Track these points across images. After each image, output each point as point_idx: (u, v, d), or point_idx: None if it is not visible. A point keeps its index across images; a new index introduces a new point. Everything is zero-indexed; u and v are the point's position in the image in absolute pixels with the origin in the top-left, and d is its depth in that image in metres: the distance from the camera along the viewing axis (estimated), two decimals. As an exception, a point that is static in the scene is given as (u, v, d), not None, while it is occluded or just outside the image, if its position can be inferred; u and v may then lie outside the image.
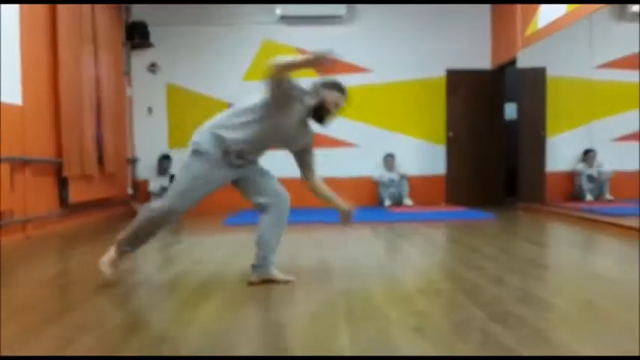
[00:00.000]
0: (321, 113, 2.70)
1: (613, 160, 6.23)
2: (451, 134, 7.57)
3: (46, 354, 1.71)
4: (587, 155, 6.50)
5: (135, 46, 7.60)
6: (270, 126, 2.67)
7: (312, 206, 7.38)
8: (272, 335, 1.89)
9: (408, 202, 7.31)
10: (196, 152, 2.67)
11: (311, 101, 2.71)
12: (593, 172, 6.47)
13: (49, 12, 5.26)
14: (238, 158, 2.70)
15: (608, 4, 5.29)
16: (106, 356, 1.65)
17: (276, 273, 2.70)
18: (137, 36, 7.48)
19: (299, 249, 3.85)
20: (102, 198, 6.42)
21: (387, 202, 7.33)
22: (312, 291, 2.54)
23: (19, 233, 4.61)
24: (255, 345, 1.78)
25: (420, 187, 7.62)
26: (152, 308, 2.33)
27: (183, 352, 1.70)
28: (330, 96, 2.71)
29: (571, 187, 6.69)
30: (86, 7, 5.96)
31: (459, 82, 7.60)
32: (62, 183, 5.44)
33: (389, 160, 7.56)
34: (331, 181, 7.69)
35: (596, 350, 1.65)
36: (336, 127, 7.85)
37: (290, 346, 1.76)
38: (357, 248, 3.86)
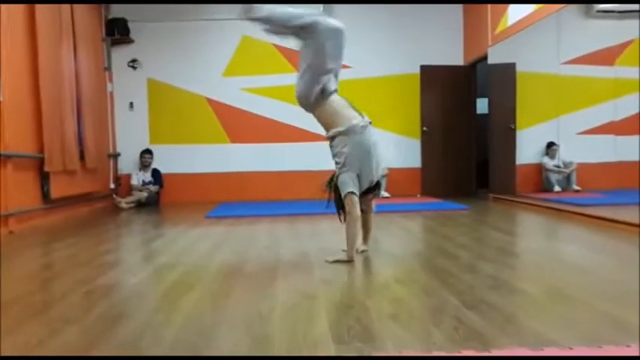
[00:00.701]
0: None
1: (579, 152, 6.46)
2: (426, 128, 7.76)
3: (29, 345, 1.76)
4: (550, 148, 6.75)
5: (115, 42, 7.64)
6: None
7: (293, 199, 7.56)
8: (253, 324, 1.95)
9: (384, 194, 7.49)
10: None
11: None
12: (557, 164, 6.72)
13: (28, 8, 5.29)
14: None
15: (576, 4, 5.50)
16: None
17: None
18: (117, 32, 7.52)
19: (279, 240, 3.97)
20: (84, 193, 6.48)
21: (365, 195, 7.51)
22: (292, 281, 2.63)
23: (1, 228, 4.67)
24: (237, 334, 1.85)
25: (397, 179, 7.80)
26: (135, 300, 2.40)
27: (166, 342, 1.77)
28: None
29: (540, 179, 6.93)
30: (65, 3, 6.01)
31: (432, 77, 7.79)
32: (44, 178, 5.50)
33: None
34: (311, 174, 7.92)
35: (563, 335, 1.75)
36: (317, 122, 8.01)
37: (270, 334, 1.83)
38: (336, 239, 3.98)
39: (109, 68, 7.61)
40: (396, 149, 7.89)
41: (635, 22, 5.49)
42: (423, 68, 7.78)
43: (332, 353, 1.63)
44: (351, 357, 1.61)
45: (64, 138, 5.80)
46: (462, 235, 3.97)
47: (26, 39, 5.28)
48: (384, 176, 7.65)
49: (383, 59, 7.98)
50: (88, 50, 6.74)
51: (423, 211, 5.68)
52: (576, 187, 6.65)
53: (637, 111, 5.77)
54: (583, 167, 6.52)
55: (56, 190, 5.64)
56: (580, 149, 6.45)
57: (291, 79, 7.83)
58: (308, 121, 8.52)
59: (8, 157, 4.79)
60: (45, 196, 5.52)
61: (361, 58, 7.95)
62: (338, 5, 7.87)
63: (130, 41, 7.68)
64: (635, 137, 5.72)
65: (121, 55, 7.74)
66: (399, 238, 3.96)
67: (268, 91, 7.87)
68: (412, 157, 7.91)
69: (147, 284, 2.71)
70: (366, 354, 1.62)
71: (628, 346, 1.62)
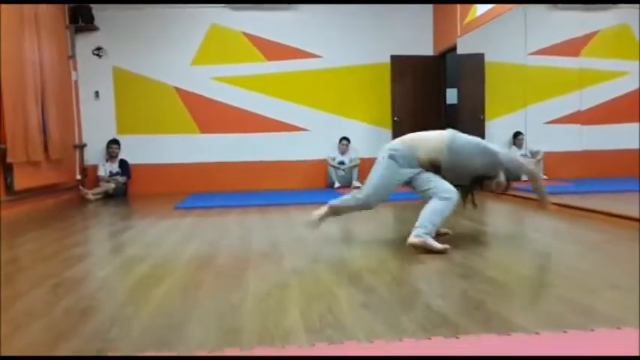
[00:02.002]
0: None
1: (546, 141, 6.58)
2: (397, 118, 7.80)
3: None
4: (517, 138, 6.86)
5: (79, 30, 7.44)
6: None
7: (263, 190, 7.53)
8: (223, 315, 1.94)
9: (356, 184, 7.53)
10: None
11: None
12: (525, 153, 6.84)
13: (-11, -6, 5.13)
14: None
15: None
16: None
17: (431, 242, 2.96)
18: (81, 19, 7.33)
19: (252, 231, 3.95)
20: (49, 184, 6.33)
21: (337, 184, 7.54)
22: (263, 271, 2.63)
23: (-37, 221, 4.54)
24: (207, 325, 1.84)
25: (368, 169, 7.82)
26: (103, 292, 2.37)
27: (134, 334, 1.76)
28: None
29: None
30: (27, -10, 5.83)
31: (403, 67, 7.82)
32: (7, 169, 5.36)
33: (343, 144, 7.76)
34: (283, 164, 7.86)
35: (531, 320, 1.79)
36: (288, 111, 8.03)
37: (241, 325, 1.82)
38: (308, 229, 3.98)
39: (73, 56, 7.42)
40: (366, 139, 7.93)
41: (599, 14, 5.60)
42: (394, 58, 7.80)
43: (303, 342, 1.63)
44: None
45: (28, 128, 5.65)
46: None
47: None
48: (355, 166, 7.74)
49: (353, 48, 7.98)
50: (51, 38, 6.55)
51: (394, 201, 5.72)
52: (543, 176, 6.78)
53: (602, 101, 5.90)
54: (550, 156, 6.64)
55: (20, 182, 5.50)
56: (547, 138, 6.57)
57: (261, 68, 7.85)
58: (278, 111, 8.51)
59: (-32, 147, 4.65)
60: (8, 187, 5.39)
61: (331, 47, 7.95)
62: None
63: (95, 29, 7.49)
64: (601, 126, 5.85)
65: (85, 43, 7.56)
66: (370, 227, 3.98)
67: (238, 80, 7.80)
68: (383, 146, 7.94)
69: (115, 277, 2.67)
70: (336, 342, 1.62)
71: (592, 330, 1.67)
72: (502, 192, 3.57)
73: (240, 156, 7.84)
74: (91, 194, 6.85)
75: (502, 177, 3.40)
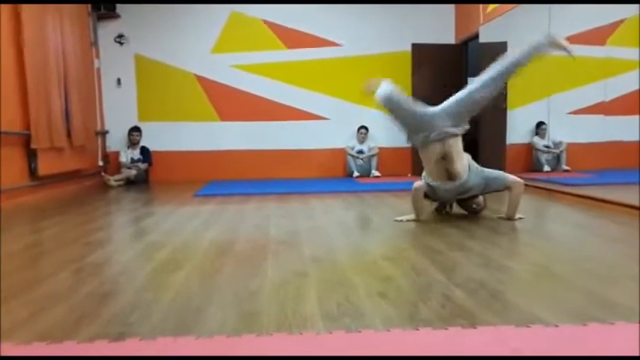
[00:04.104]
0: None
1: (569, 132, 6.49)
2: (417, 107, 7.73)
3: (17, 322, 1.76)
4: (540, 128, 6.76)
5: (101, 17, 7.51)
6: None
7: (283, 178, 7.55)
8: (242, 301, 1.96)
9: (375, 173, 7.52)
10: None
11: None
12: (547, 144, 6.75)
13: (13, -18, 5.19)
14: None
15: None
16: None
17: None
18: (103, 6, 7.39)
19: (270, 219, 3.97)
20: (72, 170, 6.43)
21: (356, 174, 7.52)
22: (281, 259, 2.64)
23: (-11, 205, 4.64)
24: (225, 310, 1.85)
25: (388, 159, 7.82)
26: (124, 277, 2.39)
27: (155, 318, 1.78)
28: None
29: (530, 159, 6.96)
30: (51, -23, 5.88)
31: (424, 56, 7.75)
32: (31, 155, 5.45)
33: (362, 133, 7.73)
34: (302, 153, 7.86)
35: (549, 311, 1.77)
36: (307, 100, 8.01)
37: (259, 310, 1.84)
38: (327, 218, 3.99)
39: (95, 44, 7.49)
40: (385, 128, 7.88)
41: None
42: (415, 46, 7.73)
43: (320, 330, 1.64)
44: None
45: (51, 114, 5.74)
46: (451, 215, 3.99)
47: (10, 14, 5.18)
48: (374, 155, 7.71)
49: (374, 37, 7.92)
50: (74, 25, 6.62)
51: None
52: (565, 167, 6.69)
53: (627, 91, 5.79)
54: (573, 147, 6.55)
55: (44, 167, 5.59)
56: (570, 129, 6.47)
57: (281, 56, 7.84)
58: (298, 100, 8.50)
59: (-6, 133, 4.73)
60: (32, 173, 5.48)
61: (352, 35, 7.90)
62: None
63: (117, 16, 7.55)
64: (626, 118, 5.75)
65: (107, 31, 7.62)
66: (389, 217, 3.97)
67: (258, 68, 7.80)
68: (402, 136, 7.88)
69: (135, 262, 2.70)
70: (354, 330, 1.63)
71: (612, 323, 1.65)
72: (479, 211, 3.86)
73: (259, 144, 7.87)
74: (112, 180, 6.94)
75: (481, 198, 3.79)
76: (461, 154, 3.60)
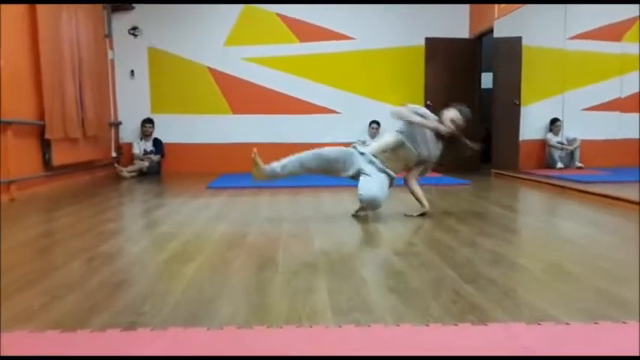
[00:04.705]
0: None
1: (583, 129, 6.43)
2: (429, 103, 7.69)
3: (31, 310, 1.78)
4: (554, 124, 6.70)
5: (115, 9, 7.54)
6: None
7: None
8: (252, 292, 1.97)
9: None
10: None
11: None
12: (561, 140, 6.69)
13: (29, -27, 5.22)
14: None
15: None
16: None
17: None
18: (118, -1, 7.43)
19: (282, 211, 3.98)
20: (85, 161, 6.48)
21: (367, 168, 7.51)
22: (292, 251, 2.65)
23: (2, 194, 4.69)
24: (236, 302, 1.86)
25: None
26: (136, 267, 2.41)
27: (166, 309, 1.79)
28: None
29: (543, 155, 6.91)
30: (66, -31, 5.91)
31: (437, 50, 7.69)
32: (45, 145, 5.50)
33: (373, 128, 7.71)
34: (314, 146, 7.83)
35: (561, 309, 1.76)
36: (319, 94, 7.99)
37: (269, 303, 1.85)
38: (337, 211, 3.99)
39: (109, 35, 7.53)
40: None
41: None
42: (428, 40, 7.68)
43: (330, 323, 1.64)
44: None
45: (65, 105, 5.78)
46: (462, 210, 3.97)
47: (26, 5, 5.21)
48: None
49: (387, 31, 7.88)
50: (89, 17, 6.65)
51: (423, 185, 5.65)
52: (579, 164, 6.63)
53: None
54: (587, 144, 6.49)
55: (57, 158, 5.64)
56: (585, 126, 6.41)
57: (293, 49, 7.83)
58: (310, 94, 8.49)
59: (8, 123, 4.78)
60: (46, 163, 5.53)
61: (364, 29, 7.87)
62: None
63: (131, 8, 7.58)
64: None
65: (121, 23, 7.66)
66: (399, 211, 3.96)
67: (270, 61, 7.80)
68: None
69: (148, 253, 2.72)
70: (363, 324, 1.63)
71: (624, 322, 1.63)
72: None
73: (271, 137, 7.87)
74: (125, 172, 6.99)
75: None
76: None
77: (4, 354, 1.42)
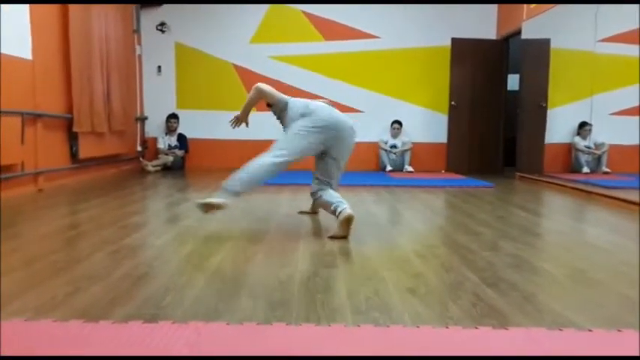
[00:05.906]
0: None
1: (611, 133, 6.30)
2: (454, 103, 7.64)
3: (56, 300, 1.83)
4: (583, 128, 6.58)
5: (144, 5, 7.63)
6: None
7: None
8: (272, 289, 1.99)
9: (408, 168, 7.46)
10: None
11: None
12: (589, 144, 6.57)
13: (61, -31, 5.31)
14: None
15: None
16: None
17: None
18: (147, -5, 7.52)
19: (302, 209, 3.99)
20: (111, 154, 6.58)
21: (389, 168, 7.49)
22: (312, 250, 2.66)
23: (30, 185, 4.79)
24: (256, 298, 1.88)
25: (422, 154, 7.75)
26: (158, 261, 2.44)
27: (187, 302, 1.82)
28: None
29: (569, 159, 6.79)
30: (97, -35, 6.00)
31: (464, 51, 7.62)
32: (73, 138, 5.60)
33: (395, 128, 7.68)
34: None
35: (583, 316, 1.74)
36: (343, 92, 7.99)
37: (289, 300, 1.86)
38: (358, 211, 3.98)
39: (137, 31, 7.63)
40: (420, 123, 7.82)
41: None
42: (454, 41, 7.61)
43: (349, 322, 1.64)
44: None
45: (93, 99, 5.87)
46: (485, 213, 3.94)
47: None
48: (407, 150, 7.66)
49: (413, 30, 7.83)
50: (118, 12, 6.75)
51: (446, 187, 5.64)
52: (606, 169, 6.51)
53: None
54: (615, 149, 6.36)
55: (84, 151, 5.74)
56: (612, 130, 6.28)
57: (319, 47, 7.83)
58: (334, 92, 8.48)
59: (38, 116, 4.88)
60: (73, 156, 5.63)
61: (390, 28, 7.83)
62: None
63: (159, 4, 7.66)
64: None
65: (149, 19, 7.74)
66: (420, 213, 3.95)
67: (295, 59, 7.81)
68: (438, 131, 7.82)
69: (170, 247, 2.76)
70: (382, 325, 1.63)
71: (649, 331, 1.60)
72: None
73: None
74: (150, 166, 7.08)
75: None
76: None
77: (29, 342, 1.46)
